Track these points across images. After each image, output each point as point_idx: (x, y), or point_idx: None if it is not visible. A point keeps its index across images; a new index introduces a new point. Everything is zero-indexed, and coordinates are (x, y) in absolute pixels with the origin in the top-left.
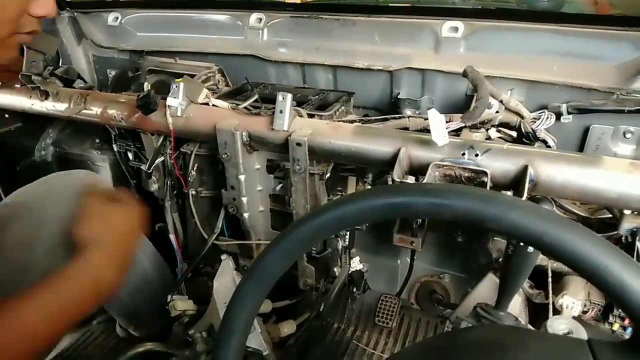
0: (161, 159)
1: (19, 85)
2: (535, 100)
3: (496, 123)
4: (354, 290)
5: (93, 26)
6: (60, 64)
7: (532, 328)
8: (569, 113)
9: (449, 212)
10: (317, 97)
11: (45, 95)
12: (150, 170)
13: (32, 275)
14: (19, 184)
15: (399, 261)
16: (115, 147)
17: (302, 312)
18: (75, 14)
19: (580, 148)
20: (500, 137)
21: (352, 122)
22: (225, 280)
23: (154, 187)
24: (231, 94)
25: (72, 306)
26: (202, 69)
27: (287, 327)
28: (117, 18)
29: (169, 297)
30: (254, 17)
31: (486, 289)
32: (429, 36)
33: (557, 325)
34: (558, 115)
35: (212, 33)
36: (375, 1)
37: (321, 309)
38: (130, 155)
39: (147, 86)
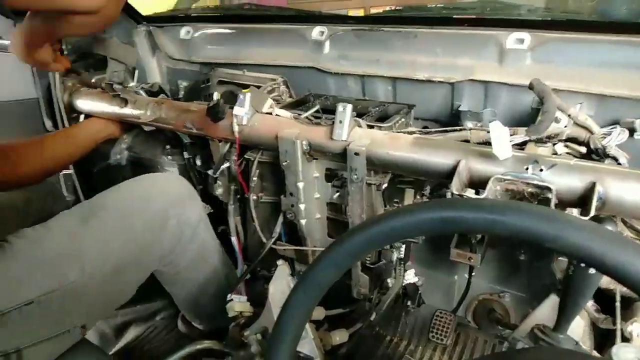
0: (226, 164)
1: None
2: (607, 114)
3: (564, 138)
4: (409, 303)
5: (167, 39)
6: (135, 74)
7: (597, 354)
8: None
9: (505, 229)
10: (377, 108)
11: (124, 102)
12: (216, 175)
13: (106, 268)
14: (95, 186)
15: (456, 277)
16: (185, 154)
17: (355, 322)
18: (151, 28)
19: None
20: (568, 153)
21: (411, 133)
22: (281, 285)
23: (218, 191)
24: (294, 105)
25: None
26: (267, 80)
27: (340, 336)
28: (189, 32)
29: (229, 296)
30: (316, 30)
31: (548, 310)
32: (493, 48)
33: (624, 353)
34: (631, 131)
35: (277, 46)
36: (438, 13)
37: (372, 318)
38: (198, 161)
39: (216, 96)
